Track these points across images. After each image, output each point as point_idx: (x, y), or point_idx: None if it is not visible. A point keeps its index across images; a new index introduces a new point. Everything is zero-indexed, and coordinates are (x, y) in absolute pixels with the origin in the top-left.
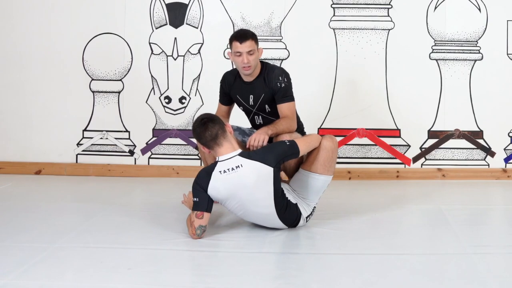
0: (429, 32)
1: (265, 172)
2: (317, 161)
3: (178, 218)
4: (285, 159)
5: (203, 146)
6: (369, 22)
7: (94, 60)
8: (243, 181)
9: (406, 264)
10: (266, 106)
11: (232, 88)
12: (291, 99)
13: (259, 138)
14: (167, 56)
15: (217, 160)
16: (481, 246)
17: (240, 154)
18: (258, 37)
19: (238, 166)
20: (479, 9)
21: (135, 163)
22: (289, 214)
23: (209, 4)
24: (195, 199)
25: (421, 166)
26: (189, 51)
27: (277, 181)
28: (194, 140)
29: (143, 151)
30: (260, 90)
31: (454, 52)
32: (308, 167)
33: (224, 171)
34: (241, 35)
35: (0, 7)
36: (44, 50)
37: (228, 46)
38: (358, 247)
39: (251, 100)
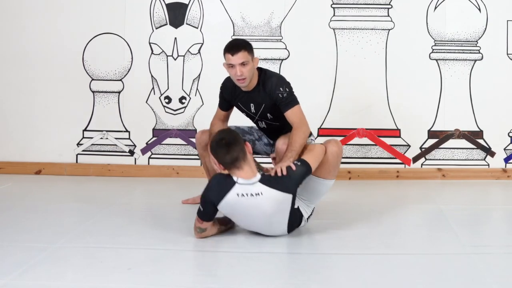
0: (429, 32)
1: (285, 200)
2: (323, 166)
3: (178, 218)
4: (302, 181)
5: (220, 164)
6: (369, 22)
7: (94, 60)
8: (262, 209)
9: (406, 264)
10: (268, 114)
11: (232, 95)
12: (295, 102)
13: (283, 165)
14: (167, 56)
15: (235, 180)
16: (481, 246)
17: (261, 181)
18: (258, 37)
19: (258, 193)
20: (479, 9)
21: (135, 163)
22: (293, 220)
23: (209, 4)
24: (201, 208)
25: (421, 166)
26: (189, 51)
27: (293, 203)
28: (194, 140)
29: (143, 151)
30: (260, 100)
31: (454, 52)
32: (313, 171)
33: (242, 195)
34: (233, 47)
35: (1, 8)
36: (44, 50)
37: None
38: (358, 247)
39: (252, 108)
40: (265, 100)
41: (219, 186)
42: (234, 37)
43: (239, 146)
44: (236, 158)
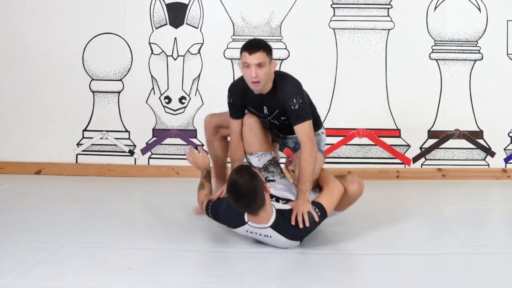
0: (429, 32)
1: (292, 244)
2: (340, 203)
3: (178, 218)
4: None
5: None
6: (369, 22)
7: (94, 60)
8: (268, 244)
9: (406, 264)
10: (282, 117)
11: (243, 99)
12: (306, 118)
13: (304, 211)
14: (167, 56)
15: (246, 222)
16: (481, 246)
17: (272, 227)
18: (258, 37)
19: (267, 235)
20: (479, 9)
21: (135, 163)
22: None
23: (209, 4)
24: (209, 215)
25: (421, 166)
26: (189, 51)
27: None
28: (194, 140)
29: (143, 151)
30: (273, 105)
31: (454, 52)
32: None
33: (251, 232)
34: (252, 45)
35: (0, 8)
36: (44, 50)
37: (233, 50)
38: (358, 247)
39: (265, 110)
40: (279, 106)
41: (228, 219)
42: (233, 37)
43: (261, 196)
44: (257, 208)
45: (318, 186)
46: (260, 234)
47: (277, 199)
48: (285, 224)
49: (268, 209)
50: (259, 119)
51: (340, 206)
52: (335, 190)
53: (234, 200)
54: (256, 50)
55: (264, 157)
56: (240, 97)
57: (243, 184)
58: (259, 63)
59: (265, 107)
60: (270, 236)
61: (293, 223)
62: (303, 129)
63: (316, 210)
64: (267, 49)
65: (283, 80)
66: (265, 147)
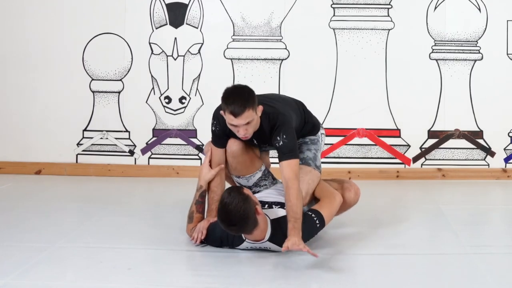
0: (429, 32)
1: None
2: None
3: (178, 218)
4: None
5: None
6: (369, 22)
7: (94, 60)
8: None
9: (406, 264)
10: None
11: (230, 130)
12: (293, 156)
13: (298, 248)
14: (167, 56)
15: (244, 239)
16: (481, 246)
17: (270, 240)
18: (258, 37)
19: (267, 248)
20: (479, 9)
21: (135, 163)
22: None
23: (209, 4)
24: (203, 244)
25: (421, 166)
26: (189, 51)
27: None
28: (194, 140)
29: (143, 151)
30: (263, 138)
31: (454, 52)
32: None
33: (251, 247)
34: (235, 106)
35: (1, 8)
36: (44, 50)
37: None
38: (358, 247)
39: (254, 141)
40: (268, 141)
41: (227, 241)
42: (233, 37)
43: (252, 221)
44: (250, 230)
45: (314, 199)
46: (260, 247)
47: (270, 205)
48: (281, 234)
49: (262, 227)
50: (244, 143)
51: (337, 213)
52: (335, 200)
53: (225, 227)
54: (241, 112)
55: (252, 177)
56: (225, 126)
57: (233, 214)
58: (247, 122)
59: (254, 140)
60: (270, 248)
61: (283, 250)
62: (289, 167)
63: (315, 217)
64: (251, 104)
65: (267, 117)
66: (252, 169)
